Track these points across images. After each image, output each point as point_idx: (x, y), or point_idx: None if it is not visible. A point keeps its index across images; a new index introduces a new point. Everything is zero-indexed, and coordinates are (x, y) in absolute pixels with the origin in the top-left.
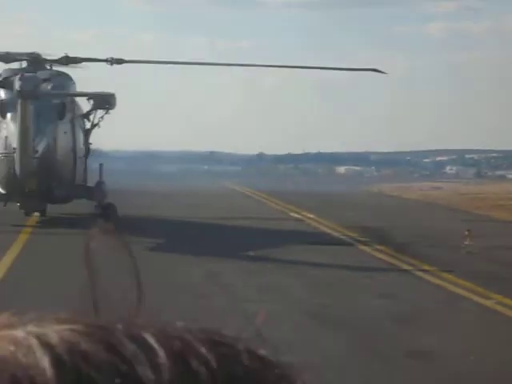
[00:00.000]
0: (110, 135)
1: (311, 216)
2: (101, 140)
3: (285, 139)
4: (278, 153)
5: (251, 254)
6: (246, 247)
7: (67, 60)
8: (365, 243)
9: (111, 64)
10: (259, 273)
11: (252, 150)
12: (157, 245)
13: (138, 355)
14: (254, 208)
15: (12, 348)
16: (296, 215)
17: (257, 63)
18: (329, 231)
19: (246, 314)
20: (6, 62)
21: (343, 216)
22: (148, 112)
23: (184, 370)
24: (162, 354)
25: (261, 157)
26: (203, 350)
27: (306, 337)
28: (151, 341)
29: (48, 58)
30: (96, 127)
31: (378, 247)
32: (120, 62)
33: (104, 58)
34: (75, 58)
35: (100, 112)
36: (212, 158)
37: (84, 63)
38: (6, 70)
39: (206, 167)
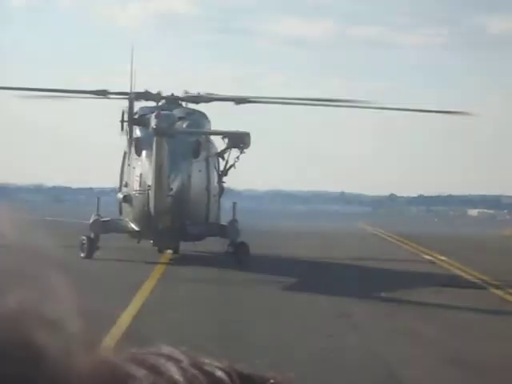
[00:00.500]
0: (243, 174)
1: (443, 258)
2: (234, 179)
3: (416, 180)
4: (409, 194)
5: (383, 295)
6: (378, 288)
7: (199, 99)
8: (497, 287)
9: (237, 103)
10: (391, 315)
11: (383, 191)
12: (289, 284)
13: None
14: (386, 249)
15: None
16: (428, 257)
17: (389, 105)
18: (461, 274)
19: (377, 356)
20: (146, 99)
21: (475, 259)
22: (279, 151)
23: None
24: None
25: (392, 198)
26: None
27: (441, 381)
28: None
29: (181, 96)
30: (232, 167)
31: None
32: (245, 101)
33: (231, 96)
34: (207, 96)
35: (234, 151)
36: (342, 198)
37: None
38: (142, 107)
39: (336, 207)
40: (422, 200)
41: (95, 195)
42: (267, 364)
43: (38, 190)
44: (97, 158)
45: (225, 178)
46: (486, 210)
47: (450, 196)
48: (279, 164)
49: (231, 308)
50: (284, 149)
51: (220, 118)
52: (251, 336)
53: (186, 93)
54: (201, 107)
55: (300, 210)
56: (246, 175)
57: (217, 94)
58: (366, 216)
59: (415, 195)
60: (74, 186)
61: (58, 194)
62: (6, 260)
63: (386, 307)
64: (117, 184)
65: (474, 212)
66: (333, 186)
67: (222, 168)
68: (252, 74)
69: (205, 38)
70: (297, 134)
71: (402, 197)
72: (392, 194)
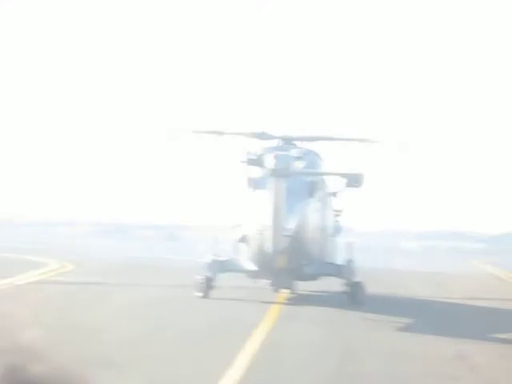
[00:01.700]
0: (358, 213)
1: None
2: (350, 218)
3: None
4: None
5: (503, 336)
6: (496, 329)
7: (312, 138)
8: None
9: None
10: (509, 356)
11: (498, 228)
12: (405, 324)
13: None
14: (504, 289)
15: None
16: None
17: None
18: None
19: None
20: (262, 139)
21: None
22: (391, 190)
23: None
24: None
25: (508, 235)
26: None
27: None
28: None
29: (296, 135)
30: (345, 206)
31: None
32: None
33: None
34: (322, 136)
35: (349, 190)
36: (457, 236)
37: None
38: (259, 147)
39: (451, 243)
40: None
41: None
42: None
43: (155, 227)
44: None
45: (342, 218)
46: None
47: None
48: (392, 202)
49: (347, 349)
50: (397, 188)
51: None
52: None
53: (301, 133)
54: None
55: (413, 246)
56: (361, 214)
57: (332, 135)
58: (481, 253)
59: None
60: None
61: (173, 231)
62: None
63: (505, 349)
64: (230, 222)
65: None
66: (444, 223)
67: (337, 207)
68: None
69: None
70: (407, 170)
71: None
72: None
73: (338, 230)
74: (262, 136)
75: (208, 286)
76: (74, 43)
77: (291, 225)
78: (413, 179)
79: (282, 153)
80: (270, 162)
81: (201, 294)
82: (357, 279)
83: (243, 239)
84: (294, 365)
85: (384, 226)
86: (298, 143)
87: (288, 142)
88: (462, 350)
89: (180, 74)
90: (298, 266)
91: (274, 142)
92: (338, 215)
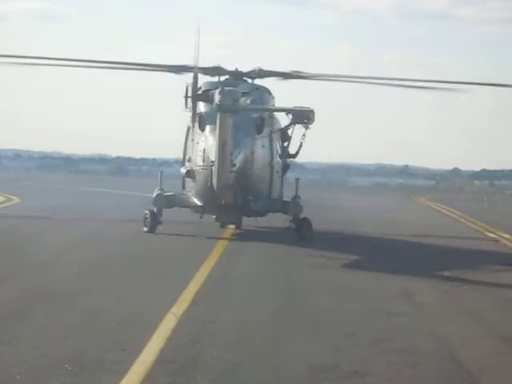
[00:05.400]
0: (307, 147)
1: (507, 236)
2: (299, 154)
3: (480, 155)
4: (473, 168)
5: (446, 273)
6: (441, 266)
7: (260, 73)
8: None
9: (300, 78)
10: (454, 294)
11: (447, 165)
12: (351, 261)
13: None
14: (448, 226)
15: None
16: (491, 235)
17: (449, 79)
18: None
19: (438, 336)
20: (210, 75)
21: None
22: (343, 125)
23: None
24: None
25: (455, 172)
26: None
27: (503, 364)
28: None
29: (244, 71)
30: (301, 147)
31: None
32: (307, 77)
33: (293, 71)
34: (267, 71)
35: (299, 126)
36: (406, 171)
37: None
38: (205, 82)
39: (400, 181)
40: (485, 174)
41: (158, 166)
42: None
43: (102, 160)
44: (161, 131)
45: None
46: None
47: None
48: (343, 137)
49: (290, 283)
50: (348, 122)
51: (284, 93)
52: (310, 311)
53: (251, 68)
54: (265, 82)
55: (363, 183)
56: (309, 148)
57: (277, 71)
58: (429, 190)
59: (478, 169)
60: (137, 156)
61: (122, 165)
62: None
63: (450, 286)
64: (180, 156)
65: None
66: (397, 160)
67: (285, 144)
68: (315, 46)
69: (268, 7)
70: (360, 108)
71: (466, 171)
72: (455, 168)
73: (285, 166)
74: (209, 71)
75: (154, 220)
76: None
77: (237, 160)
78: (366, 114)
79: (229, 88)
80: (216, 97)
81: (146, 229)
82: (304, 216)
83: (189, 174)
84: (238, 299)
85: (333, 160)
86: (249, 79)
87: (236, 77)
88: (409, 287)
89: None
90: (244, 202)
91: (222, 77)
92: (286, 152)
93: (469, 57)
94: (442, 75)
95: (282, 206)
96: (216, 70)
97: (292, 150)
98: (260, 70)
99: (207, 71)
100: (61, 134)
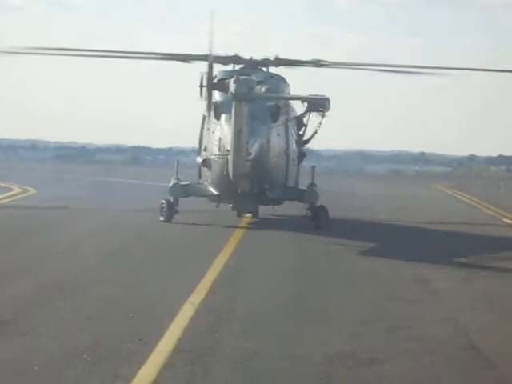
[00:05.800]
0: (323, 134)
1: None
2: (315, 142)
3: (497, 140)
4: (490, 154)
5: (463, 260)
6: (457, 253)
7: (278, 62)
8: None
9: (316, 67)
10: (471, 280)
11: (463, 151)
12: (367, 249)
13: None
14: (465, 212)
15: None
16: (508, 221)
17: (468, 66)
18: None
19: (456, 323)
20: (224, 63)
21: None
22: (359, 112)
23: None
24: None
25: (472, 158)
26: None
27: None
28: None
29: (259, 59)
30: (315, 134)
31: None
32: (324, 65)
33: (310, 59)
34: (285, 60)
35: (314, 115)
36: (422, 158)
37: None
38: (220, 71)
39: (416, 167)
40: (502, 160)
41: (174, 155)
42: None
43: (118, 150)
44: (177, 121)
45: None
46: None
47: None
48: (360, 124)
49: (307, 271)
50: (364, 109)
51: (300, 81)
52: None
53: (266, 56)
54: (280, 71)
55: (380, 169)
56: (326, 135)
57: (296, 59)
58: (445, 176)
59: (495, 155)
60: (153, 146)
61: (138, 155)
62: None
63: (466, 273)
64: (196, 145)
65: None
66: (414, 146)
67: (301, 132)
68: (329, 33)
69: None
70: (378, 95)
71: (483, 157)
72: (472, 154)
73: (301, 154)
74: (224, 60)
75: (170, 210)
76: None
77: (253, 149)
78: (382, 101)
79: (244, 77)
80: (231, 86)
81: (162, 219)
82: (320, 203)
83: (205, 163)
84: (255, 288)
85: (349, 147)
86: (264, 68)
87: (251, 65)
88: (425, 274)
89: None
90: (260, 191)
91: (237, 66)
92: (302, 139)
93: (488, 43)
94: (456, 62)
95: (299, 194)
96: (232, 59)
97: (307, 137)
98: (277, 58)
99: (221, 60)
100: (77, 124)
